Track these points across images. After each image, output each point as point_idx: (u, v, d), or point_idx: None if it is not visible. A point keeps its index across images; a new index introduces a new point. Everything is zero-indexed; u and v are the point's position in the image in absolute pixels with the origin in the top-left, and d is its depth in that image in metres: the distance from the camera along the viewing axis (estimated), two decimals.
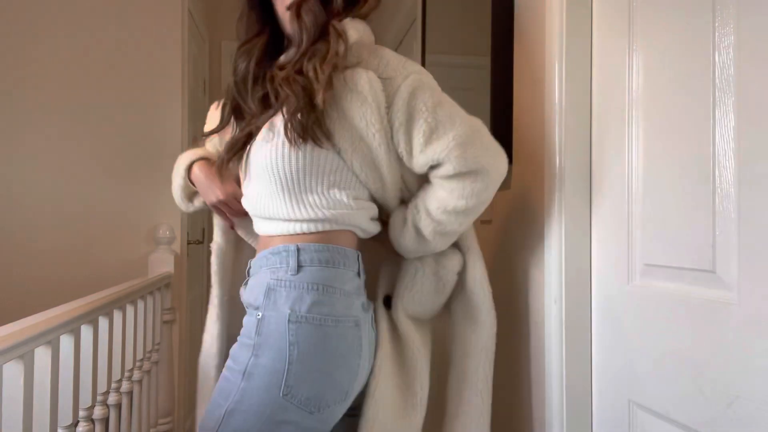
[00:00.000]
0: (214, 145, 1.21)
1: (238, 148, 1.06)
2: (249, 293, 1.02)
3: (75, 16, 2.56)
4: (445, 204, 1.01)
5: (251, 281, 1.04)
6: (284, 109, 0.96)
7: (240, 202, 1.12)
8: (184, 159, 1.21)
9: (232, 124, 1.14)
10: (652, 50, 0.95)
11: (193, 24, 2.96)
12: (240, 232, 1.22)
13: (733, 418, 0.77)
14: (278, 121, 0.99)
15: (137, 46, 2.61)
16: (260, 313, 0.96)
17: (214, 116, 1.19)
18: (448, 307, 1.15)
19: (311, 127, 0.94)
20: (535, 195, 1.20)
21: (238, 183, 1.15)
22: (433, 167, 1.00)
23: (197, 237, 3.07)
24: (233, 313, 1.21)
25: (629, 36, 1.00)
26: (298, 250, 0.97)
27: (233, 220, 1.20)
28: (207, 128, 1.20)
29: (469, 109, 1.03)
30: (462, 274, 1.12)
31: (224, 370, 0.98)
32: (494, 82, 1.32)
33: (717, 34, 0.81)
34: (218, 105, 1.18)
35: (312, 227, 0.99)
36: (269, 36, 1.07)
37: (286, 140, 0.96)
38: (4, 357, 1.01)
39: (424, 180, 1.06)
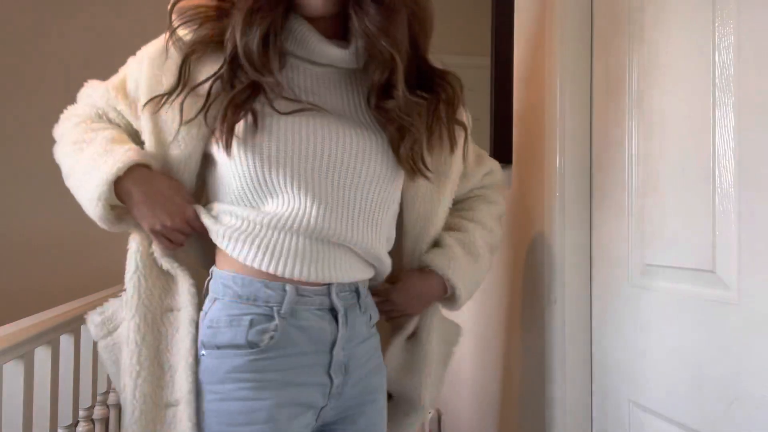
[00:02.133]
0: (178, 146, 0.86)
1: (239, 104, 0.82)
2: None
3: (75, 17, 2.56)
4: (498, 210, 1.12)
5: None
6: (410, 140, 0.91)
7: (196, 224, 0.85)
8: (107, 162, 0.84)
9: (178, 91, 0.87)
10: (652, 50, 0.95)
11: None
12: (186, 254, 0.91)
13: (733, 418, 0.77)
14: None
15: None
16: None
17: (157, 75, 0.90)
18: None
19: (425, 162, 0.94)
20: (535, 195, 1.20)
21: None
22: (486, 174, 1.11)
23: None
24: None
25: (629, 36, 1.00)
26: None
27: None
28: (148, 88, 0.89)
29: (469, 109, 1.04)
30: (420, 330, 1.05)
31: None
32: (494, 82, 1.32)
33: (717, 34, 0.81)
34: (167, 57, 0.91)
35: None
36: (285, 8, 0.86)
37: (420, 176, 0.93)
38: (4, 357, 1.01)
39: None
